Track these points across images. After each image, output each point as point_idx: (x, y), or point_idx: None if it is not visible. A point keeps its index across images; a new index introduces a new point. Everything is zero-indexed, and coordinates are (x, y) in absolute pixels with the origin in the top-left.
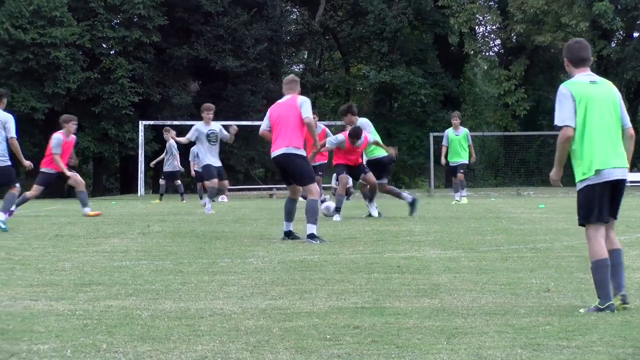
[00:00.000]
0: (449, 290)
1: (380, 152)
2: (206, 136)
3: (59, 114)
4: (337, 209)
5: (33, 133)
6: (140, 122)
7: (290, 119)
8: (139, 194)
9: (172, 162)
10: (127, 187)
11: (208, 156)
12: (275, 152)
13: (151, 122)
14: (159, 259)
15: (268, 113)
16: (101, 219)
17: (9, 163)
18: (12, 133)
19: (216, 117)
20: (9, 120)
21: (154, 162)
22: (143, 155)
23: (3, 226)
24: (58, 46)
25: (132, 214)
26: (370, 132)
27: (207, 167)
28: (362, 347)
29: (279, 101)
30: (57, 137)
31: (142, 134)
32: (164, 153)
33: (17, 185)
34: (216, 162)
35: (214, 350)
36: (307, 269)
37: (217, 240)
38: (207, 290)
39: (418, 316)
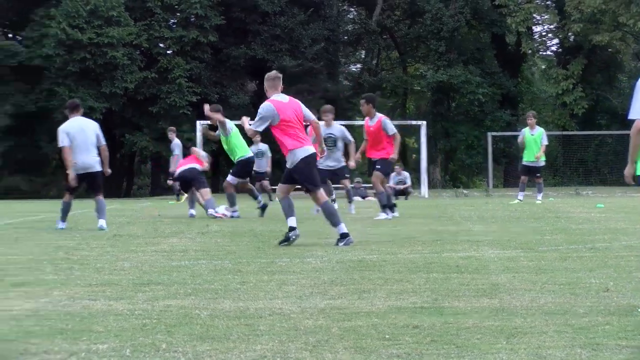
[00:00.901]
0: (508, 290)
1: None
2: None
3: (117, 114)
4: (385, 207)
5: None
6: (197, 122)
7: (301, 120)
8: None
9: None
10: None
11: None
12: (310, 150)
13: (209, 122)
14: (218, 258)
15: (276, 110)
16: (159, 219)
17: (100, 169)
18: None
19: None
20: (98, 127)
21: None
22: None
23: (106, 228)
24: (115, 46)
25: (190, 214)
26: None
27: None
28: (421, 347)
29: (282, 100)
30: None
31: (200, 134)
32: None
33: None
34: (330, 166)
35: (273, 349)
36: (366, 269)
37: (276, 239)
38: (266, 290)
39: (477, 316)
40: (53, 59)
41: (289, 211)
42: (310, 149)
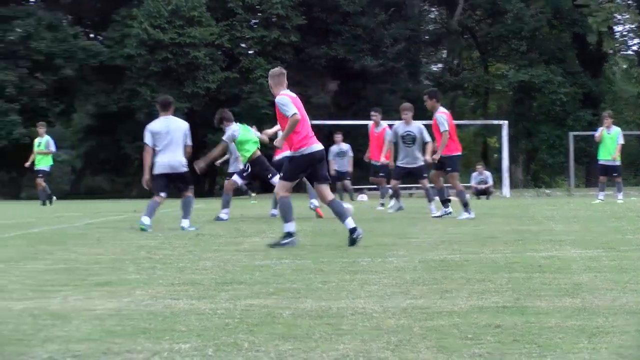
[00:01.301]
0: (590, 289)
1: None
2: (402, 137)
3: (199, 114)
4: (466, 205)
5: None
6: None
7: (306, 116)
8: None
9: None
10: (266, 186)
11: (400, 157)
12: (318, 147)
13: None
14: (300, 257)
15: (292, 103)
16: (241, 218)
17: (186, 169)
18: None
19: (355, 116)
20: (188, 127)
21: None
22: None
23: (192, 228)
24: (197, 46)
25: (269, 212)
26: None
27: (396, 168)
28: (504, 347)
29: (292, 94)
30: None
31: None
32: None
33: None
34: (409, 164)
35: (356, 349)
36: (448, 268)
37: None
38: (348, 289)
39: (559, 315)
40: (135, 59)
41: (289, 214)
42: (318, 147)
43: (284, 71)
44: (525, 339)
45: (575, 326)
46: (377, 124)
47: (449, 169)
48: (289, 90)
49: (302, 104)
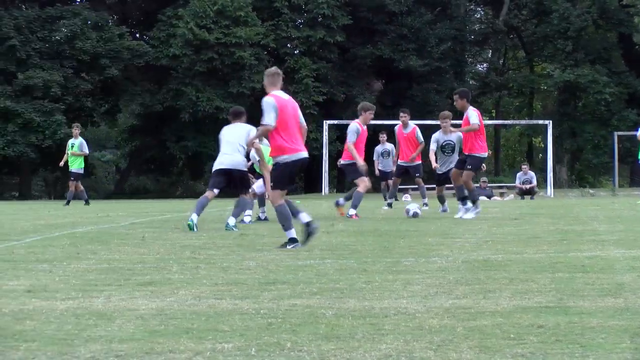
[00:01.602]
0: (633, 289)
1: None
2: (441, 147)
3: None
4: (474, 202)
5: (218, 132)
6: (324, 121)
7: (297, 121)
8: (322, 193)
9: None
10: (311, 186)
11: (439, 164)
12: (303, 154)
13: (335, 122)
14: (343, 257)
15: (277, 105)
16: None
17: (244, 169)
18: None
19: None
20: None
21: None
22: (327, 154)
23: (234, 229)
24: (242, 46)
25: (316, 213)
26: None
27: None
28: (546, 347)
29: (283, 96)
30: (354, 125)
31: (326, 133)
32: None
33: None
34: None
35: (398, 349)
36: (491, 269)
37: (401, 239)
38: (391, 289)
39: (602, 315)
40: (180, 59)
41: (288, 221)
42: (301, 155)
43: (280, 71)
44: (567, 339)
45: (618, 326)
46: (405, 125)
47: (469, 167)
48: (282, 92)
49: (296, 107)
